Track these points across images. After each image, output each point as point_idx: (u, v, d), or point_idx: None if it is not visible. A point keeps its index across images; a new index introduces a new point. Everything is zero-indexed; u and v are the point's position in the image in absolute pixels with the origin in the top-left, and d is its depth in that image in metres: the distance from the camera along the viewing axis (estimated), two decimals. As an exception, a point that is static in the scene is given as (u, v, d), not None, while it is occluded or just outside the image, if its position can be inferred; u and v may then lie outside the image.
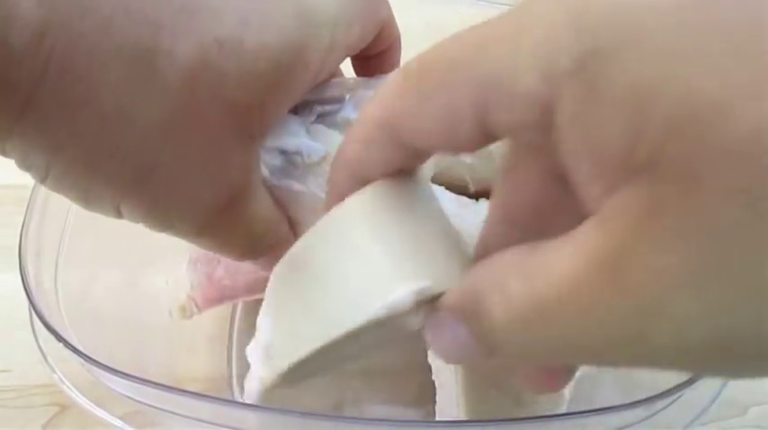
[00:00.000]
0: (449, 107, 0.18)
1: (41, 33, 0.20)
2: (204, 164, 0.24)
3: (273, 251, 0.28)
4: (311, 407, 0.38)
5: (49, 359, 0.30)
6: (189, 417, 0.28)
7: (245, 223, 0.27)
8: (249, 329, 0.41)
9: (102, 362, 0.27)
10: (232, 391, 0.39)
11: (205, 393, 0.32)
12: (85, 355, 0.28)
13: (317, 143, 0.28)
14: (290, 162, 0.28)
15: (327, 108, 0.30)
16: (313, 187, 0.28)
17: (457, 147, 0.19)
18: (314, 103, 0.29)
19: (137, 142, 0.23)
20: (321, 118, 0.30)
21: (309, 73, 0.26)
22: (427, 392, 0.34)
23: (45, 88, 0.21)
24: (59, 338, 0.28)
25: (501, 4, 0.40)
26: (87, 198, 0.24)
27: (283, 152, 0.28)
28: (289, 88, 0.25)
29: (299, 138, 0.28)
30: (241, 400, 0.39)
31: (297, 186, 0.28)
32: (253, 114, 0.25)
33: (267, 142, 0.27)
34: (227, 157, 0.25)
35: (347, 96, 0.30)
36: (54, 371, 0.30)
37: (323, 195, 0.28)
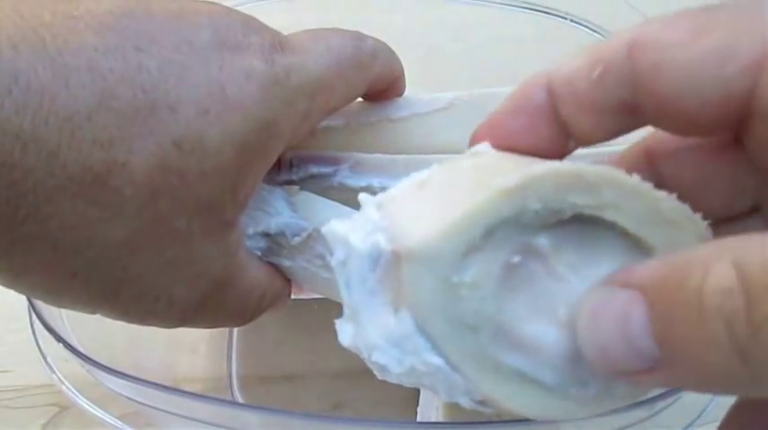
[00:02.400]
0: (715, 48, 0.16)
1: None
2: (177, 270, 0.23)
3: (272, 308, 0.28)
4: (310, 408, 0.38)
5: (49, 359, 0.30)
6: (189, 418, 0.28)
7: (236, 303, 0.26)
8: (249, 329, 0.41)
9: (102, 362, 0.27)
10: (232, 391, 0.39)
11: (205, 393, 0.32)
12: (85, 355, 0.28)
13: (301, 221, 0.27)
14: (276, 243, 0.27)
15: (323, 169, 0.28)
16: (303, 262, 0.27)
17: (707, 104, 0.17)
18: (309, 161, 0.28)
19: (96, 266, 0.22)
20: (314, 180, 0.28)
21: (283, 143, 0.24)
22: (427, 392, 0.34)
23: None
24: (59, 338, 0.28)
25: (502, 4, 0.40)
26: (61, 306, 0.24)
27: (267, 235, 0.27)
28: (261, 165, 0.24)
29: (282, 216, 0.27)
30: (241, 400, 0.39)
31: (286, 263, 0.27)
32: (224, 203, 0.23)
33: (248, 229, 0.26)
34: (202, 255, 0.23)
35: (344, 159, 0.29)
36: (54, 372, 0.30)
37: (314, 269, 0.27)
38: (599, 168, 0.17)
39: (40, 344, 0.30)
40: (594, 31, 0.39)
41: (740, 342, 0.14)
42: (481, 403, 0.19)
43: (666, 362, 0.15)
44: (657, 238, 0.18)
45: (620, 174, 0.18)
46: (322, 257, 0.27)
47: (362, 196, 0.19)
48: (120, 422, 0.30)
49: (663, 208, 0.18)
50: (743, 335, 0.14)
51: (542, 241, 0.18)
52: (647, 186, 0.18)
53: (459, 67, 0.41)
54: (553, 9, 0.39)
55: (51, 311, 0.29)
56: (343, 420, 0.33)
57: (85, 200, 0.20)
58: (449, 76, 0.40)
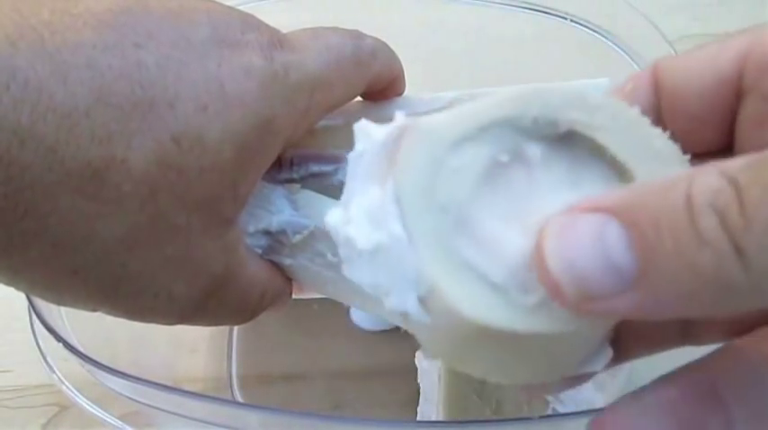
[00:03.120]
0: (715, 49, 0.19)
1: None
2: (177, 267, 0.23)
3: (273, 307, 0.28)
4: (311, 407, 0.38)
5: (49, 359, 0.30)
6: (189, 417, 0.28)
7: (236, 300, 0.26)
8: (249, 329, 0.41)
9: (102, 361, 0.27)
10: (232, 391, 0.39)
11: (205, 393, 0.32)
12: (85, 355, 0.28)
13: (302, 219, 0.27)
14: (277, 241, 0.27)
15: (324, 168, 0.28)
16: (304, 261, 0.27)
17: (708, 89, 0.19)
18: (309, 159, 0.28)
19: (96, 262, 0.22)
20: (315, 178, 0.28)
21: (282, 139, 0.24)
22: (427, 392, 0.34)
23: None
24: (59, 338, 0.28)
25: (502, 4, 0.40)
26: (61, 304, 0.24)
27: (268, 233, 0.27)
28: (260, 161, 0.24)
29: (283, 214, 0.27)
30: (241, 400, 0.39)
31: (287, 261, 0.27)
32: (224, 201, 0.23)
33: (249, 227, 0.26)
34: (201, 253, 0.23)
35: (346, 157, 0.29)
36: (54, 371, 0.30)
37: (315, 267, 0.27)
38: (604, 96, 0.19)
39: (40, 343, 0.30)
40: (594, 31, 0.39)
41: (735, 234, 0.14)
42: (423, 304, 0.18)
43: (647, 276, 0.15)
44: (643, 171, 0.18)
45: (621, 103, 0.19)
46: (323, 255, 0.27)
47: (397, 112, 0.20)
48: (120, 422, 0.30)
49: (655, 142, 0.19)
50: (738, 227, 0.14)
51: (534, 149, 0.19)
52: (645, 119, 0.19)
53: (460, 67, 0.41)
54: (553, 9, 0.39)
55: (51, 311, 0.29)
56: (343, 420, 0.33)
57: (84, 196, 0.20)
58: (449, 76, 0.40)
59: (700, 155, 0.20)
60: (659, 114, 0.21)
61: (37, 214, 0.20)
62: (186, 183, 0.22)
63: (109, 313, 0.24)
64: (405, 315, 0.19)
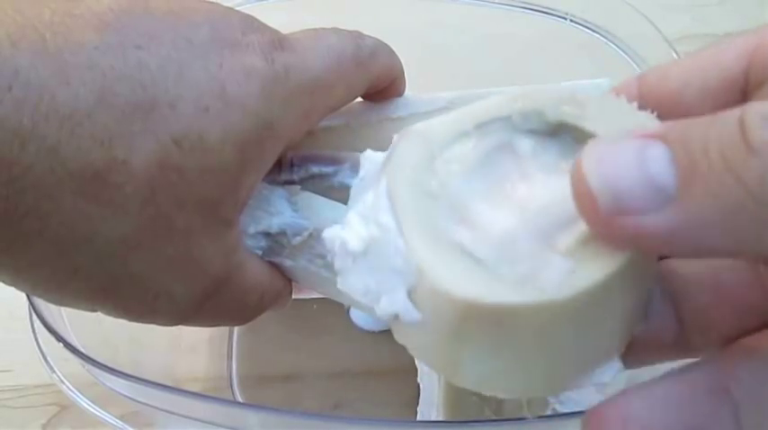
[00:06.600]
0: (715, 51, 0.19)
1: None
2: (177, 267, 0.23)
3: (273, 307, 0.28)
4: (311, 407, 0.38)
5: (49, 359, 0.30)
6: (189, 418, 0.28)
7: (236, 301, 0.26)
8: (249, 329, 0.41)
9: (103, 361, 0.27)
10: (232, 391, 0.39)
11: (205, 393, 0.32)
12: (85, 355, 0.28)
13: (302, 220, 0.27)
14: (277, 242, 0.27)
15: (324, 169, 0.28)
16: (303, 262, 0.27)
17: (710, 90, 0.19)
18: (309, 161, 0.28)
19: (97, 262, 0.22)
20: (315, 179, 0.28)
21: (283, 141, 0.25)
22: (427, 392, 0.34)
23: None
24: (59, 338, 0.28)
25: (501, 4, 0.40)
26: (62, 304, 0.24)
27: (267, 234, 0.27)
28: (261, 163, 0.24)
29: (283, 216, 0.27)
30: (241, 400, 0.39)
31: (287, 262, 0.28)
32: (224, 202, 0.23)
33: (249, 228, 0.27)
34: (201, 253, 0.23)
35: (345, 159, 0.29)
36: (54, 371, 0.30)
37: (315, 269, 0.27)
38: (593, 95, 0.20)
39: (40, 343, 0.30)
40: (594, 31, 0.39)
41: None
42: (412, 298, 0.18)
43: (687, 191, 0.14)
44: None
45: (608, 94, 0.20)
46: (323, 257, 0.27)
47: (395, 136, 0.21)
48: (120, 422, 0.30)
49: (645, 125, 0.19)
50: None
51: (524, 143, 0.20)
52: (632, 106, 0.19)
53: (459, 67, 0.41)
54: (553, 9, 0.39)
55: (51, 311, 0.29)
56: (343, 420, 0.33)
57: (86, 197, 0.20)
58: (448, 76, 0.40)
59: None
60: None
61: (38, 215, 0.20)
62: (187, 185, 0.22)
63: (108, 314, 0.24)
64: (396, 317, 0.19)
